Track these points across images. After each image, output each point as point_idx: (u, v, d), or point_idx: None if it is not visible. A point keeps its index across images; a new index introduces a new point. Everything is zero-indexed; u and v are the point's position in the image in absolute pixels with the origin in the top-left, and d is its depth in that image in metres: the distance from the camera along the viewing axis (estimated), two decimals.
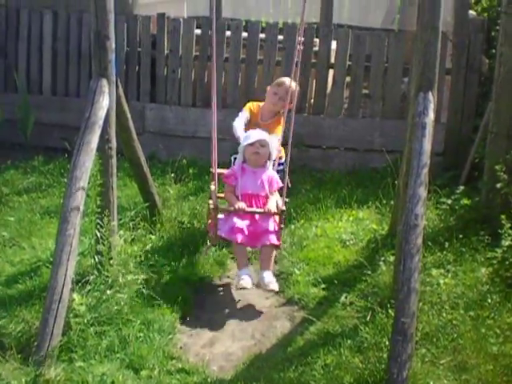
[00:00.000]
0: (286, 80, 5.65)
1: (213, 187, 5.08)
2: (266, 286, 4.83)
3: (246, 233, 4.87)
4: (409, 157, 4.51)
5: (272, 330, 4.64)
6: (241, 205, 4.92)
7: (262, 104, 5.80)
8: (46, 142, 7.97)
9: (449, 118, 7.14)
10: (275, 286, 4.86)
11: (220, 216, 5.06)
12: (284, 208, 4.93)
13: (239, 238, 4.85)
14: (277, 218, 4.98)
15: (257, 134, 5.19)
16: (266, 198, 5.09)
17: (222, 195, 5.32)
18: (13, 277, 5.18)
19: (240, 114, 5.72)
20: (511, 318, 4.42)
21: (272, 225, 4.92)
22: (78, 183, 4.37)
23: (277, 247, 4.99)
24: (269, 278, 4.85)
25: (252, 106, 5.80)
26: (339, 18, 8.79)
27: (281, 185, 5.13)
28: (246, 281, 4.81)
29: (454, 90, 7.07)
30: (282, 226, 4.98)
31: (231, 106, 7.48)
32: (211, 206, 4.98)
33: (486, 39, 7.02)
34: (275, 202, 5.02)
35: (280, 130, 5.49)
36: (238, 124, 5.58)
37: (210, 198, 5.13)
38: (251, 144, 5.14)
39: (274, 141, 5.28)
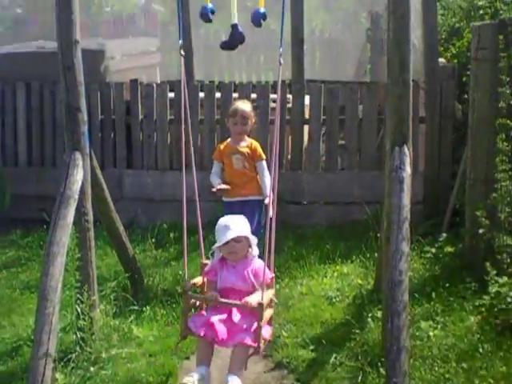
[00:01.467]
0: (238, 106, 5.75)
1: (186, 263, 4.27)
2: None
3: (218, 328, 3.99)
4: (388, 211, 4.48)
5: None
6: (212, 294, 4.11)
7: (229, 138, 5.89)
8: (23, 213, 7.86)
9: (426, 167, 7.16)
10: None
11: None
12: (262, 301, 3.95)
13: (202, 331, 4.02)
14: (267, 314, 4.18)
15: (229, 233, 4.17)
16: (249, 293, 4.13)
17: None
18: None
19: (213, 168, 5.88)
20: (504, 367, 4.35)
21: (250, 322, 4.02)
22: (56, 260, 4.29)
23: (255, 350, 4.01)
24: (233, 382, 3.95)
25: (219, 147, 5.91)
26: (311, 74, 8.84)
27: (271, 275, 4.19)
28: (193, 378, 3.91)
29: (429, 138, 7.10)
30: (261, 323, 3.96)
31: (208, 168, 7.45)
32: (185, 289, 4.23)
33: (457, 85, 7.08)
34: (259, 295, 4.03)
35: (260, 153, 5.70)
36: (212, 175, 5.81)
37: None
38: (225, 244, 4.20)
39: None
